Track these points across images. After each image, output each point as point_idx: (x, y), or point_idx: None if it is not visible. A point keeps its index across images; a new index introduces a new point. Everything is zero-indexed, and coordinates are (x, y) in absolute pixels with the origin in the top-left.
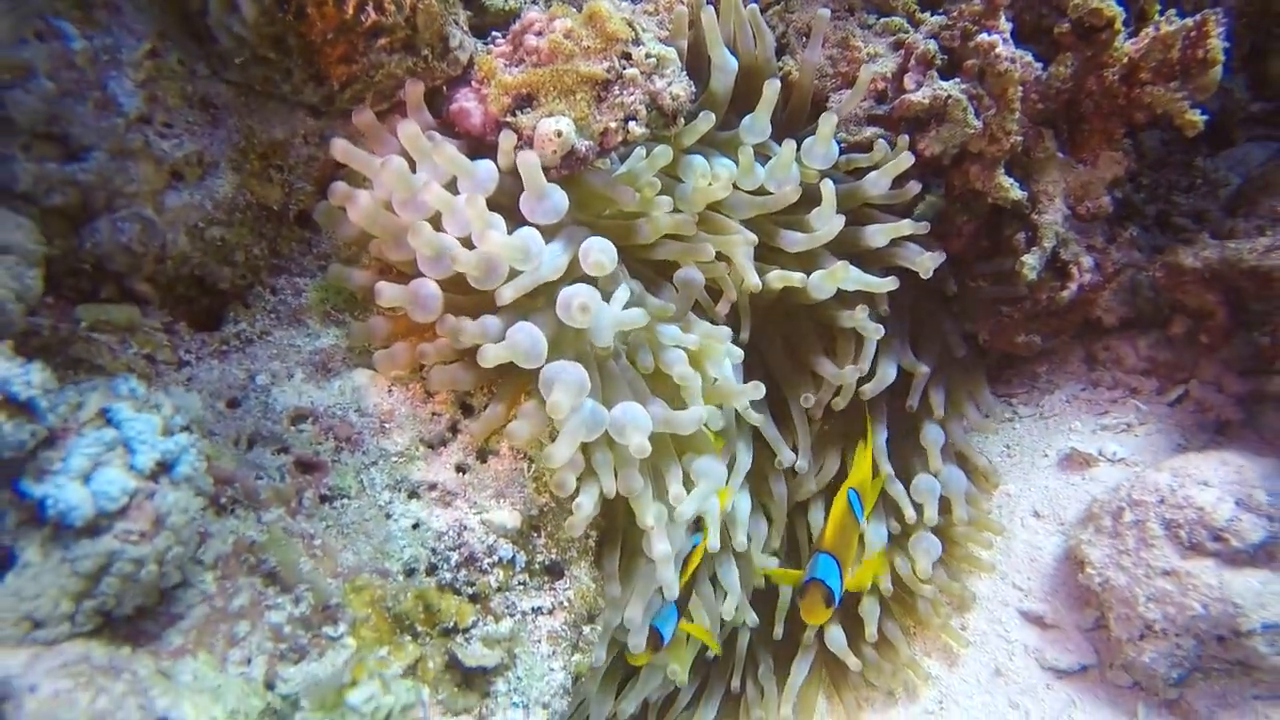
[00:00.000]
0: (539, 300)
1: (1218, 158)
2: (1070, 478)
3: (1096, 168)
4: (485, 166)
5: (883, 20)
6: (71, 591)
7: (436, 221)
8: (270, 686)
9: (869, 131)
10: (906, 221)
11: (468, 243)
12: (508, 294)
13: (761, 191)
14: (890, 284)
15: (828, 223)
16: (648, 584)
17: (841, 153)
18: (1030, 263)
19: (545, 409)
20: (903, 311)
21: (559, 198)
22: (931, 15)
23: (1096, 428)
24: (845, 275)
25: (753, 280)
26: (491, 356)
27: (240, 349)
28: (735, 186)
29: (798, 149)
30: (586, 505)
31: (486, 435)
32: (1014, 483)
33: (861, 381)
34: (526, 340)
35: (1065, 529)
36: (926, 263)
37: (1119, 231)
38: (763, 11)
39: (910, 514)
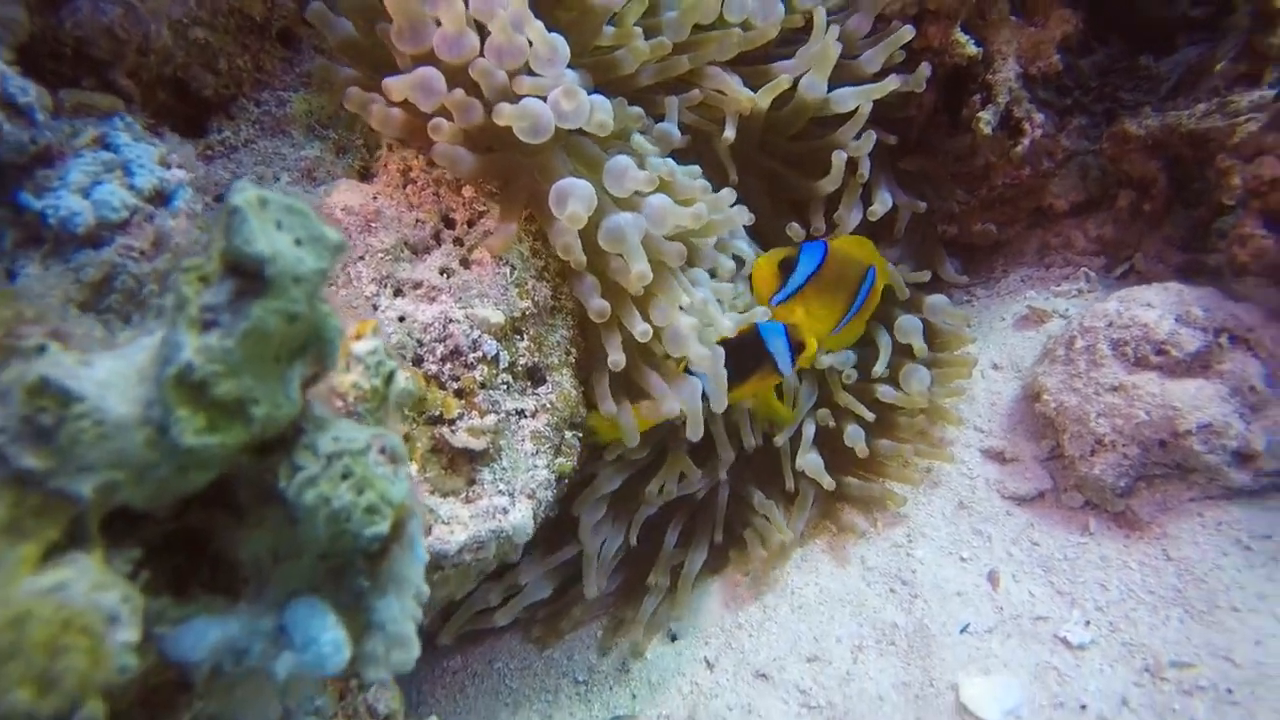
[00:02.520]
0: None
1: (1160, 62)
2: (1026, 333)
3: (1047, 27)
4: None
5: None
6: (76, 299)
7: None
8: None
9: None
10: (890, 79)
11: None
12: (526, 84)
13: (746, 26)
14: (891, 84)
15: (820, 44)
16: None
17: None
18: (985, 117)
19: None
20: (884, 160)
21: None
22: None
23: (1049, 295)
24: (833, 56)
25: (745, 98)
26: (507, 114)
27: (225, 155)
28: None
29: None
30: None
31: (506, 246)
32: (973, 345)
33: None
34: (537, 107)
35: (1023, 375)
36: (919, 77)
37: (1068, 121)
38: None
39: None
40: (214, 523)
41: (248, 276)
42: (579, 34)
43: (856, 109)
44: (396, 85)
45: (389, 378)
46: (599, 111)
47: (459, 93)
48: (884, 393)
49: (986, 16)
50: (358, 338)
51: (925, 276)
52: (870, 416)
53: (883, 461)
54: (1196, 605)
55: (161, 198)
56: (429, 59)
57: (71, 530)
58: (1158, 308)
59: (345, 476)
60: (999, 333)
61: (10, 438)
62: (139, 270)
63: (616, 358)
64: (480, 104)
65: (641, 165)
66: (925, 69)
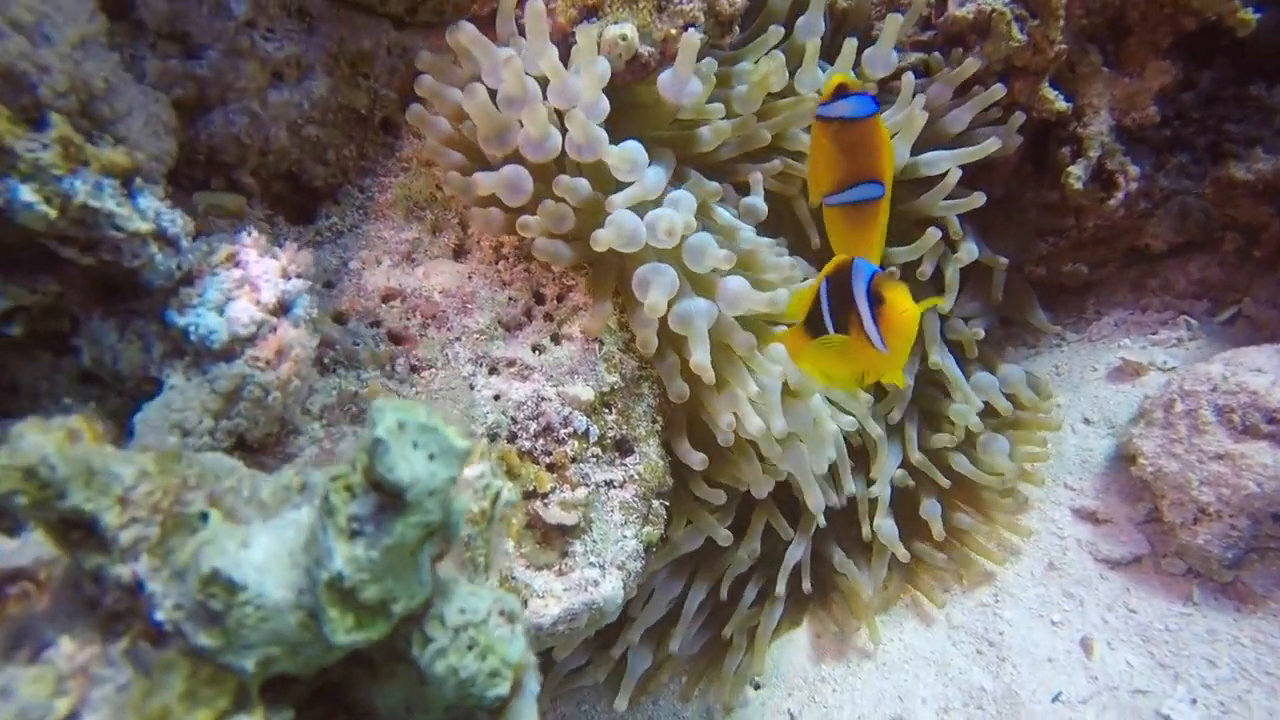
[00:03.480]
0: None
1: (1274, 90)
2: (1120, 386)
3: (1143, 78)
4: (601, 60)
5: None
6: (212, 409)
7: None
8: None
9: (914, 57)
10: (997, 86)
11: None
12: (618, 200)
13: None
14: (990, 146)
15: (903, 110)
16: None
17: (886, 81)
18: (1076, 173)
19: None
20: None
21: (698, 84)
22: None
23: (1146, 344)
24: (919, 125)
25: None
26: (602, 239)
27: (333, 240)
28: (793, 90)
29: (858, 52)
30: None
31: (601, 327)
32: (1064, 395)
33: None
34: (630, 222)
35: (1115, 431)
36: (1011, 128)
37: (1167, 159)
38: None
39: (970, 418)
40: (351, 678)
41: (389, 494)
42: (656, 114)
43: (947, 172)
44: (485, 182)
45: (495, 498)
46: (686, 221)
47: (549, 204)
48: (959, 464)
49: (1077, 70)
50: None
51: (979, 334)
52: (945, 483)
53: (963, 533)
54: None
55: (283, 307)
56: (516, 157)
57: (238, 696)
58: (1269, 373)
59: (471, 647)
60: (1090, 384)
61: (187, 616)
62: (264, 379)
63: (725, 425)
64: (570, 213)
65: (725, 241)
66: (1019, 118)
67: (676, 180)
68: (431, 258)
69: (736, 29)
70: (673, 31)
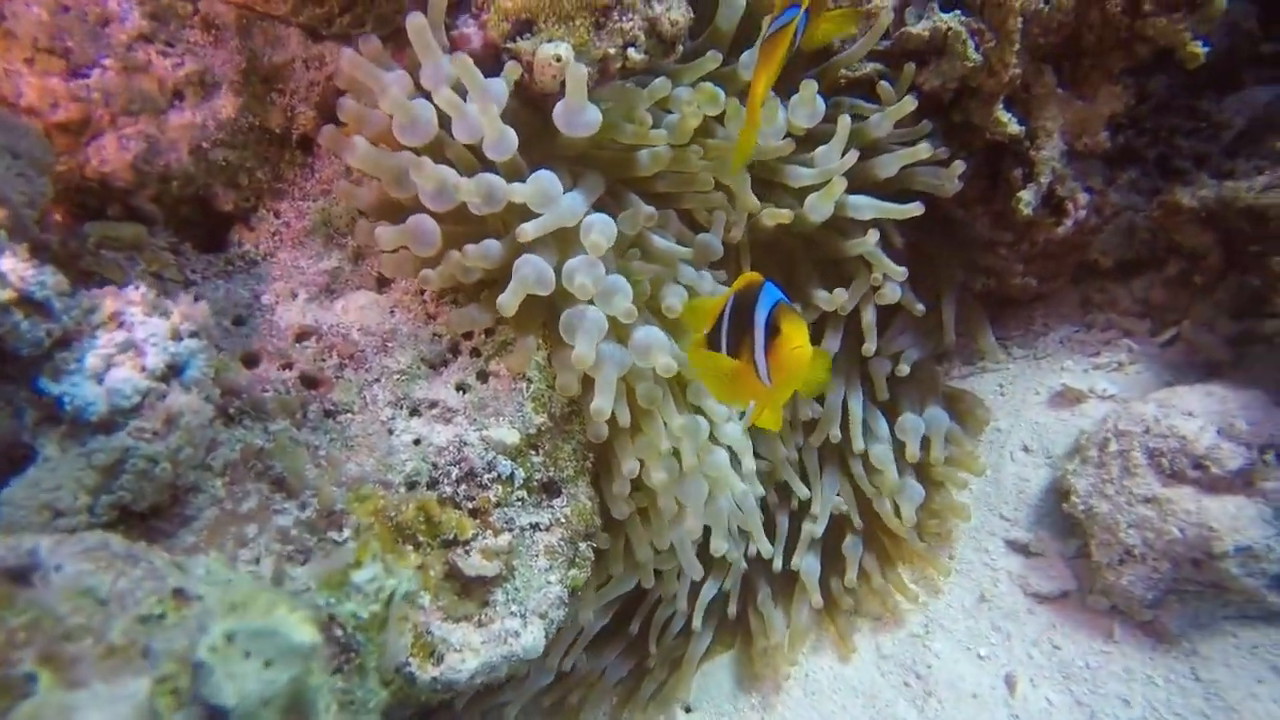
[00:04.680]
0: (546, 238)
1: (1224, 101)
2: (1060, 413)
3: (1095, 103)
4: (497, 83)
5: None
6: (89, 485)
7: (436, 152)
8: (278, 584)
9: (869, 68)
10: (924, 145)
11: (470, 164)
12: (529, 231)
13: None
14: (913, 209)
15: (834, 158)
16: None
17: (843, 91)
18: (1026, 198)
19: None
20: (899, 256)
21: (594, 113)
22: None
23: (1088, 366)
24: (839, 190)
25: (750, 201)
26: (510, 302)
27: (245, 270)
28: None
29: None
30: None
31: (526, 365)
32: (1005, 419)
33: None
34: (533, 272)
35: (1053, 461)
36: (951, 175)
37: (1118, 174)
38: None
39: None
40: None
41: (215, 712)
42: (601, 130)
43: (872, 221)
44: (387, 237)
45: (388, 600)
46: (595, 233)
47: (454, 257)
48: (880, 507)
49: (1031, 90)
50: (358, 565)
51: (904, 370)
52: (859, 525)
53: (888, 568)
54: None
55: (174, 370)
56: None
57: None
58: (1199, 417)
59: None
60: (1032, 408)
61: None
62: (151, 451)
63: (627, 472)
64: (470, 249)
65: (664, 271)
66: (958, 166)
67: (614, 203)
68: (353, 289)
69: (680, 47)
70: (611, 51)
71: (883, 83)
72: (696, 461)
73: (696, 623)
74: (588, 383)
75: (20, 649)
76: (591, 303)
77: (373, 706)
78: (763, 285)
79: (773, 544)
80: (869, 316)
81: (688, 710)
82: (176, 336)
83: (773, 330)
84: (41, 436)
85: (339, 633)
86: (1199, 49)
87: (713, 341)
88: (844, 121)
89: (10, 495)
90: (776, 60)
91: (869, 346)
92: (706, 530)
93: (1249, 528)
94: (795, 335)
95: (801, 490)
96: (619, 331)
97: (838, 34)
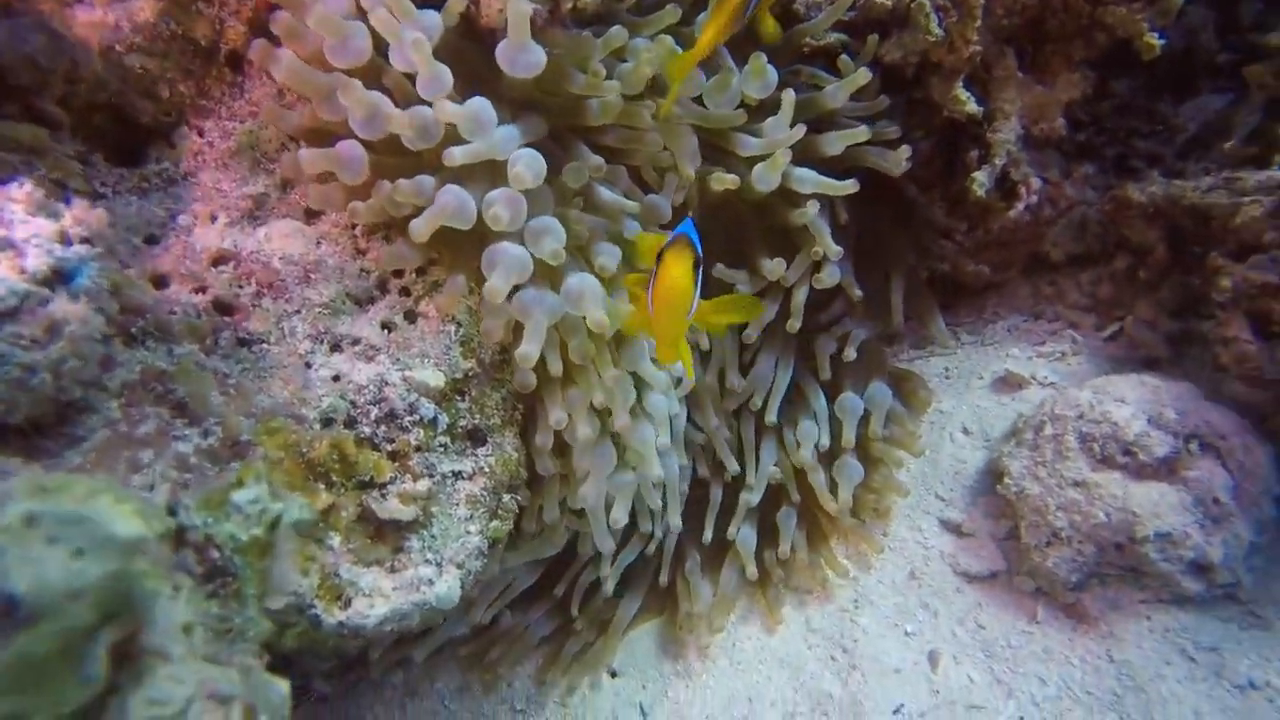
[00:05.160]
0: (476, 172)
1: (1181, 107)
2: (1001, 398)
3: (1054, 89)
4: (430, 15)
5: None
6: None
7: (371, 76)
8: (172, 513)
9: (832, 37)
10: (863, 128)
11: (406, 96)
12: (457, 155)
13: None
14: (849, 186)
15: (781, 130)
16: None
17: (804, 60)
18: (980, 179)
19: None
20: (849, 231)
21: (538, 53)
22: None
23: (1033, 355)
24: (784, 162)
25: (687, 170)
26: (423, 230)
27: (163, 188)
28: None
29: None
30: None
31: (454, 305)
32: (948, 401)
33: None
34: (454, 201)
35: (990, 444)
36: (898, 158)
37: (1074, 168)
38: None
39: (825, 441)
40: None
41: (6, 609)
42: (550, 75)
43: (812, 194)
44: (312, 160)
45: (273, 524)
46: (521, 165)
47: (385, 188)
48: (815, 480)
49: (992, 71)
50: (240, 484)
51: (850, 355)
52: (796, 499)
53: (819, 542)
54: (1132, 714)
55: (61, 276)
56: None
57: None
58: (1130, 405)
59: None
60: (974, 392)
61: None
62: (27, 359)
63: (554, 422)
64: (404, 184)
65: (606, 224)
66: (905, 150)
67: (561, 151)
68: (279, 217)
69: None
70: None
71: (843, 56)
72: (626, 422)
73: (609, 587)
74: (519, 331)
75: None
76: (521, 242)
77: (251, 636)
78: (682, 222)
79: (706, 513)
80: (799, 296)
81: (613, 675)
82: (64, 240)
83: (660, 260)
84: None
85: (214, 554)
86: (1155, 41)
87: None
88: (788, 96)
89: None
90: (729, 11)
91: (793, 323)
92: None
93: (1169, 514)
94: (673, 268)
95: (731, 465)
96: (552, 278)
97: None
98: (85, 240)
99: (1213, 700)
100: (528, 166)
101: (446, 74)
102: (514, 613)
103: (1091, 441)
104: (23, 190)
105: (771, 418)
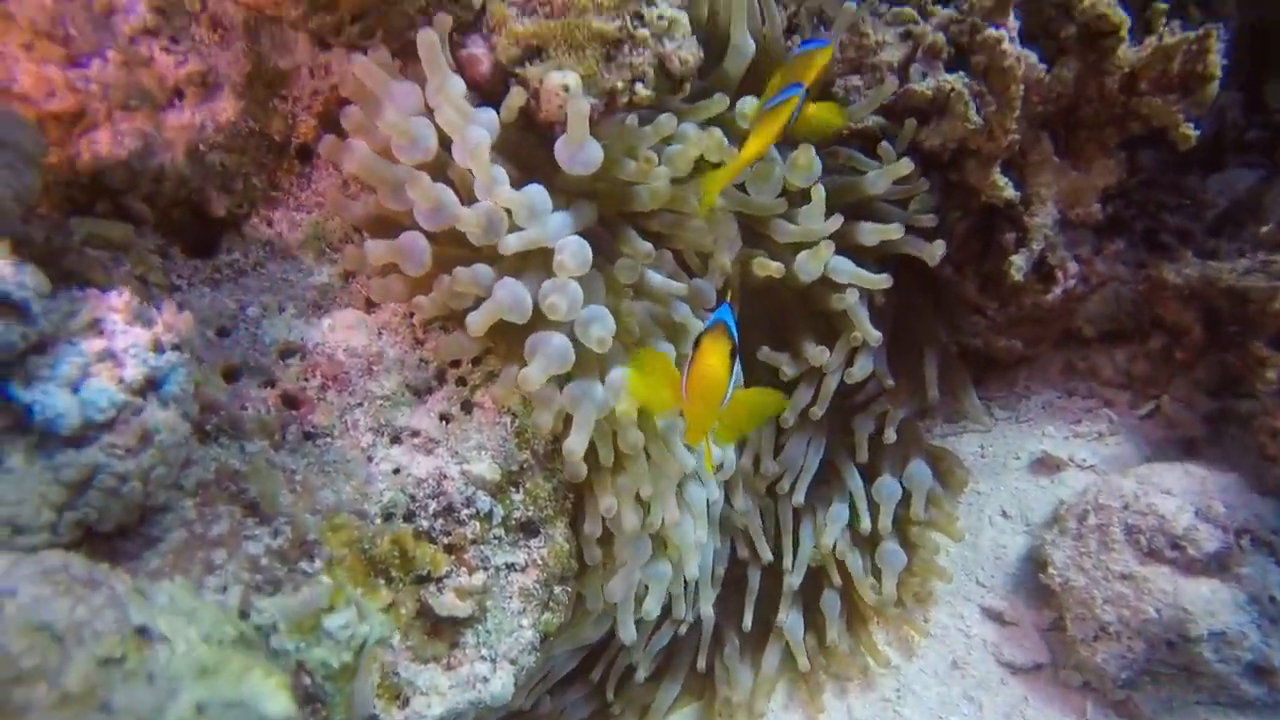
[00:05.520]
0: (531, 262)
1: (1208, 180)
2: (1039, 480)
3: (1090, 174)
4: (487, 114)
5: (894, 10)
6: (54, 501)
7: (436, 169)
8: (244, 615)
9: (871, 120)
10: (897, 225)
11: (468, 188)
12: (512, 243)
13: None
14: (883, 281)
15: (816, 221)
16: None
17: (844, 142)
18: (1018, 263)
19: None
20: (886, 311)
21: (595, 150)
22: (942, 8)
23: (1069, 434)
24: (828, 255)
25: (723, 260)
26: (479, 324)
27: (233, 279)
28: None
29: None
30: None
31: (509, 395)
32: (985, 482)
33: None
34: (509, 297)
35: (1031, 529)
36: (934, 252)
37: (1105, 244)
38: None
39: (865, 525)
40: None
41: None
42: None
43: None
44: (378, 252)
45: (360, 648)
46: (569, 253)
47: (445, 282)
48: (852, 565)
49: (1028, 156)
50: (331, 609)
51: (890, 438)
52: (838, 582)
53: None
54: None
55: (153, 384)
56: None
57: None
58: (1177, 496)
59: None
60: (1012, 473)
61: None
62: (122, 469)
63: (604, 510)
64: (461, 272)
65: (655, 309)
66: (940, 246)
67: (610, 236)
68: (341, 307)
69: (688, 86)
70: (619, 84)
71: (884, 144)
72: (675, 517)
73: (641, 675)
74: (570, 420)
75: None
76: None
77: None
78: (720, 308)
79: (744, 595)
80: (830, 383)
81: None
82: (158, 348)
83: (697, 346)
84: (7, 445)
85: (306, 681)
86: (1190, 131)
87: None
88: (818, 193)
89: None
90: (773, 132)
91: (816, 411)
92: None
93: (1223, 612)
94: (709, 357)
95: (765, 554)
96: (601, 366)
97: (826, 125)
98: (175, 347)
99: None
100: (573, 255)
101: (503, 175)
102: (552, 696)
103: (1138, 533)
104: (121, 299)
105: (799, 499)
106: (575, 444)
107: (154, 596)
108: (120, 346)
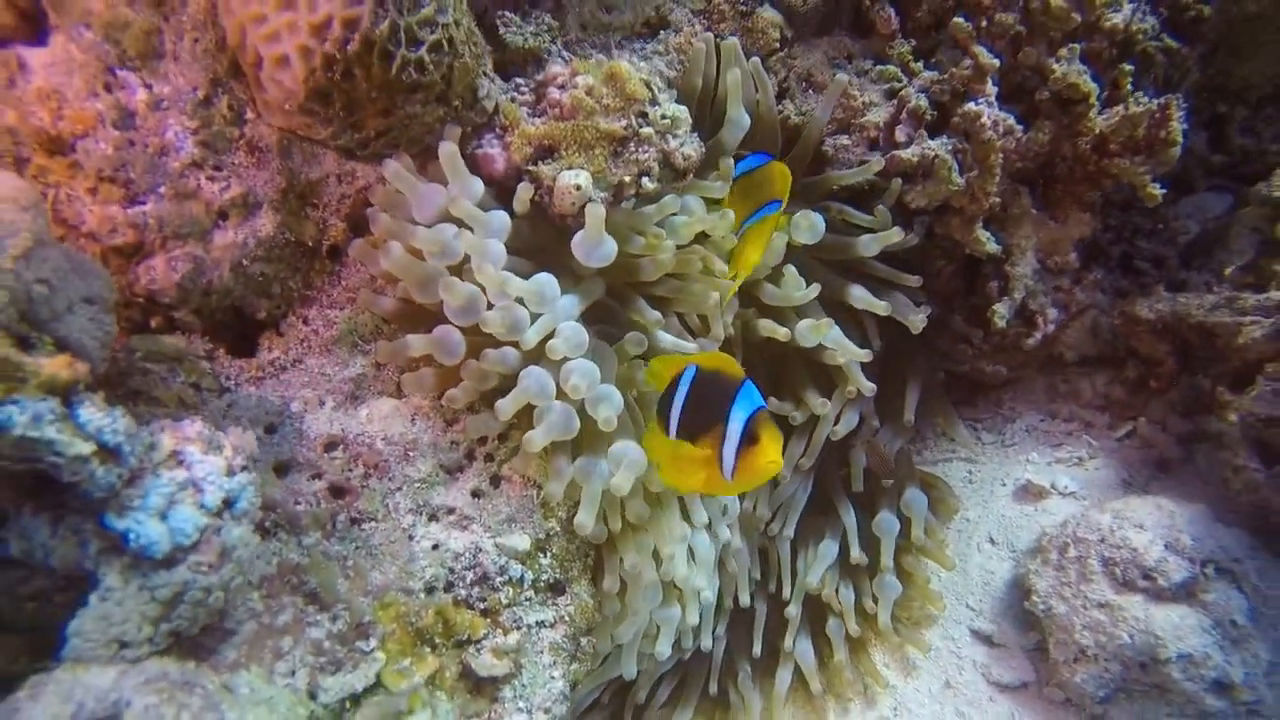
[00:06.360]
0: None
1: (1179, 204)
2: (1024, 508)
3: (1066, 226)
4: (499, 217)
5: (878, 68)
6: (151, 616)
7: (458, 266)
8: (313, 696)
9: (860, 178)
10: (885, 304)
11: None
12: (532, 337)
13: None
14: (863, 356)
15: (799, 290)
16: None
17: (833, 197)
18: (1001, 311)
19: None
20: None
21: (612, 246)
22: (925, 68)
23: (1051, 460)
24: (827, 330)
25: (717, 331)
26: (509, 410)
27: (275, 375)
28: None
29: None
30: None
31: (530, 467)
32: (974, 509)
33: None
34: (535, 385)
35: (1016, 556)
36: (916, 322)
37: (1084, 274)
38: (767, 57)
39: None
40: None
41: None
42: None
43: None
44: (417, 345)
45: None
46: (576, 377)
47: (473, 366)
48: (843, 597)
49: (1009, 210)
50: (410, 712)
51: (886, 484)
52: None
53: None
54: None
55: (227, 504)
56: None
57: None
58: (1149, 530)
59: None
60: (998, 500)
61: None
62: (207, 582)
63: (629, 567)
64: (490, 354)
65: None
66: (925, 310)
67: (620, 305)
68: (375, 395)
69: (690, 176)
70: (626, 179)
71: (880, 207)
72: (684, 573)
73: (640, 696)
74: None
75: None
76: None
77: None
78: (742, 383)
79: (753, 624)
80: (820, 434)
81: None
82: (230, 472)
83: (750, 437)
84: (104, 565)
85: None
86: (1157, 191)
87: (662, 406)
88: (790, 272)
89: (80, 628)
90: (761, 246)
91: (805, 462)
92: None
93: (1190, 636)
94: (771, 449)
95: (744, 597)
96: (609, 439)
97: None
98: (244, 468)
99: None
100: (565, 341)
101: (513, 281)
102: None
103: (1114, 565)
104: (194, 429)
105: (789, 532)
106: (584, 518)
107: (237, 689)
108: (199, 475)
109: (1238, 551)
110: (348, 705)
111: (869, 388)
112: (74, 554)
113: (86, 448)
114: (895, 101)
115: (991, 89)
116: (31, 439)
